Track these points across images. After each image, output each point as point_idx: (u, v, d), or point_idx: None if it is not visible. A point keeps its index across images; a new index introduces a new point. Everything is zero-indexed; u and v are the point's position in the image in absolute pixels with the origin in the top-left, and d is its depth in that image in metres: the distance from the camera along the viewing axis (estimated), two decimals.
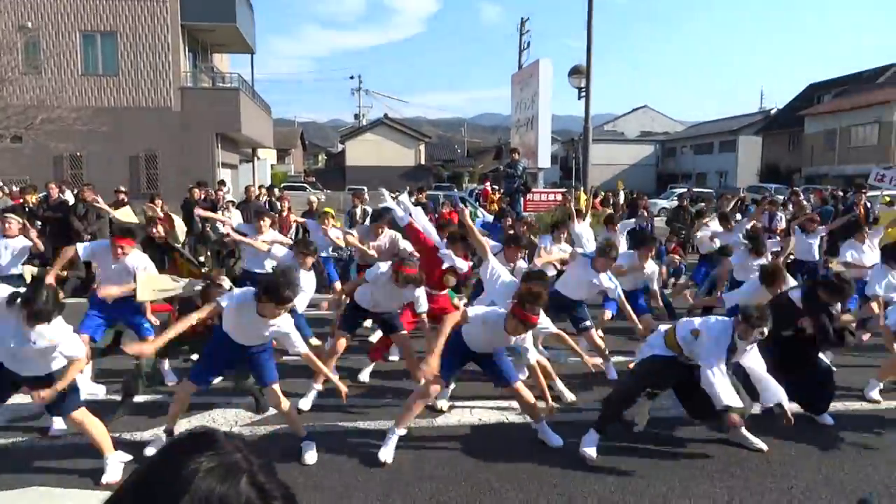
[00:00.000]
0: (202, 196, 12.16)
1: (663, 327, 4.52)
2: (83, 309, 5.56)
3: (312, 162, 71.30)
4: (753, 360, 4.24)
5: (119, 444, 4.14)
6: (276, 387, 4.27)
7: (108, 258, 5.47)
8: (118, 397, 4.88)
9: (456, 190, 28.68)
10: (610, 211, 13.30)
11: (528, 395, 4.45)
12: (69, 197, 12.04)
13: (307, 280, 5.79)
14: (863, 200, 11.61)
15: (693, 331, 4.16)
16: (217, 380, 5.58)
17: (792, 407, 4.27)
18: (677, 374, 4.30)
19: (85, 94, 20.88)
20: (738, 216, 10.90)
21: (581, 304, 5.95)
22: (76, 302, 6.85)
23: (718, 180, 44.17)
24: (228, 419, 4.83)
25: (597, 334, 6.01)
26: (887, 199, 13.85)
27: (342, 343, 5.29)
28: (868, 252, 7.60)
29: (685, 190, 16.61)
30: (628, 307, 5.90)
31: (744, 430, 4.35)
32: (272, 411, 4.95)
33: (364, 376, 5.81)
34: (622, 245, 8.16)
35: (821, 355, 4.89)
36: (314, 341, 6.35)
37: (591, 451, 4.14)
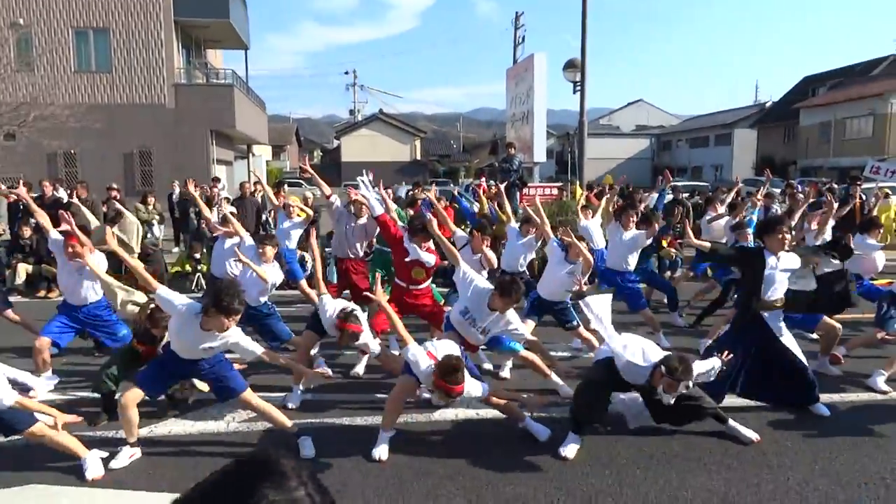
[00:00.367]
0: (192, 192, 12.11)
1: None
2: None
3: (308, 158, 71.11)
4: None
5: (96, 443, 4.13)
6: (248, 393, 4.21)
7: (62, 257, 5.38)
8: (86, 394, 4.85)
9: (452, 185, 28.63)
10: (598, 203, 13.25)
11: (499, 401, 4.43)
12: (63, 195, 11.99)
13: (271, 272, 5.73)
14: (858, 192, 11.64)
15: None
16: None
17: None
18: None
19: (78, 91, 20.78)
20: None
21: (566, 306, 5.97)
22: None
23: (714, 174, 44.24)
24: (225, 415, 4.82)
25: (586, 331, 5.98)
26: (887, 191, 13.83)
27: (309, 338, 5.27)
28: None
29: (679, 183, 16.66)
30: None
31: (734, 423, 4.38)
32: None
33: (359, 370, 5.81)
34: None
35: (793, 347, 4.90)
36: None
37: (568, 451, 4.15)
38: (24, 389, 4.67)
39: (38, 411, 3.83)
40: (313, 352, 6.04)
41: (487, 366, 5.95)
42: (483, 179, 14.10)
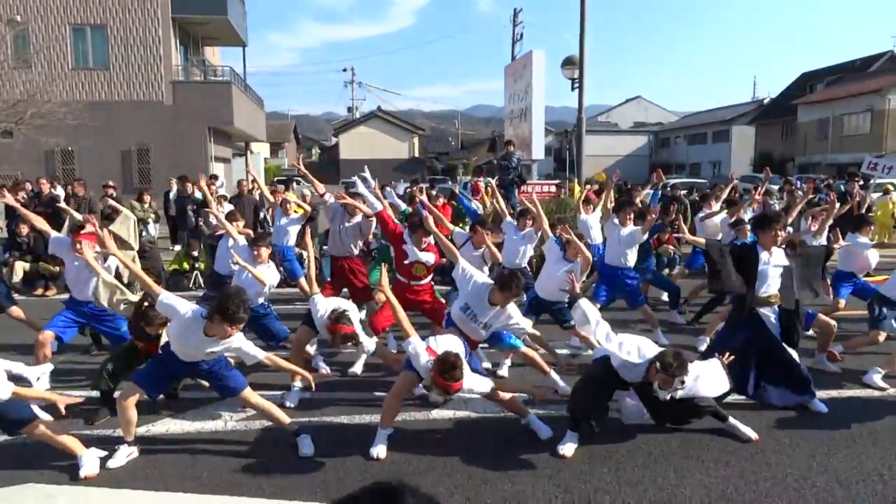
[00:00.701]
0: (193, 192, 12.09)
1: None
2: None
3: (306, 155, 71.03)
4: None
5: (94, 441, 4.13)
6: (248, 391, 4.21)
7: (70, 254, 5.44)
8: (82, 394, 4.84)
9: (451, 182, 28.62)
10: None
11: (503, 397, 4.44)
12: (60, 192, 11.97)
13: (268, 273, 5.71)
14: (856, 189, 11.65)
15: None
16: None
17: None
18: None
19: (75, 88, 20.70)
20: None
21: (562, 305, 5.98)
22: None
23: (712, 170, 44.23)
24: (223, 414, 4.82)
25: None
26: (889, 187, 13.84)
27: (304, 334, 5.24)
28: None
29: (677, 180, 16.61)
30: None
31: (733, 420, 4.39)
32: None
33: (357, 368, 5.80)
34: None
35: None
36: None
37: (566, 450, 4.14)
38: (18, 379, 4.67)
39: (38, 399, 3.83)
40: (311, 349, 6.05)
41: (486, 364, 5.95)
42: (480, 178, 14.07)
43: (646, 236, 7.09)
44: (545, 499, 3.63)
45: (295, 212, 8.25)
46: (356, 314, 4.98)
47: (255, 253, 5.74)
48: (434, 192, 12.80)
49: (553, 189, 14.35)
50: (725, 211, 8.57)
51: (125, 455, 4.03)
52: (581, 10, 15.06)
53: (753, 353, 4.88)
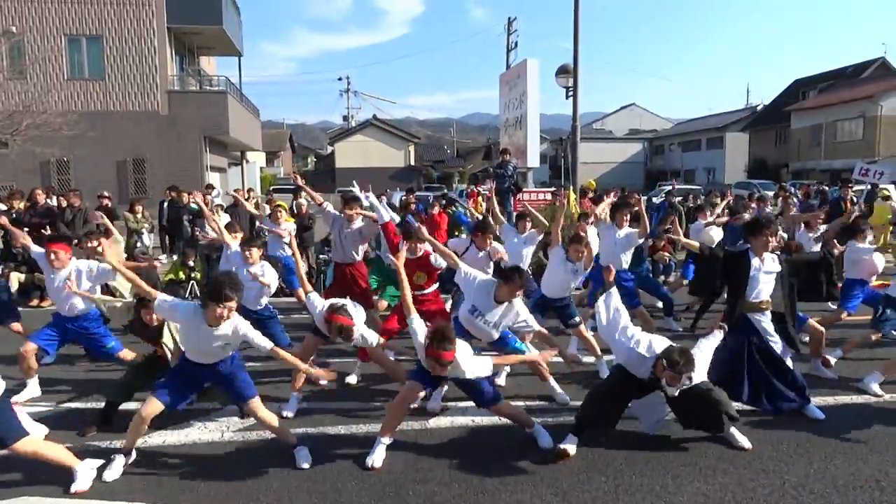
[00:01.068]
0: (189, 202, 12.08)
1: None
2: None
3: (302, 164, 71.06)
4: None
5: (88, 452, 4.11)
6: (257, 400, 4.18)
7: (48, 268, 5.37)
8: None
9: (447, 191, 28.67)
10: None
11: (511, 408, 4.48)
12: (55, 203, 11.93)
13: (268, 273, 5.75)
14: (849, 195, 11.71)
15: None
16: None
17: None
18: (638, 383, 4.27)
19: (71, 99, 20.73)
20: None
21: (568, 303, 6.02)
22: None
23: (707, 177, 44.44)
24: (220, 425, 4.80)
25: (588, 332, 6.04)
26: (886, 192, 13.90)
27: (311, 341, 5.16)
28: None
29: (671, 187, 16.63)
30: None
31: (732, 428, 4.38)
32: None
33: (351, 379, 5.79)
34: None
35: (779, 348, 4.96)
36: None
37: (569, 448, 4.16)
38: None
39: None
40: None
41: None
42: (480, 187, 14.08)
43: (642, 240, 7.11)
44: None
45: (286, 220, 8.30)
46: (360, 313, 4.92)
47: (247, 254, 5.77)
48: (443, 202, 12.81)
49: (549, 196, 14.39)
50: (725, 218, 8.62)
51: (121, 465, 4.01)
52: (574, 18, 15.15)
53: (746, 358, 4.89)
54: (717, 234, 9.13)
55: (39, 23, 20.52)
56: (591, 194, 14.13)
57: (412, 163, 47.32)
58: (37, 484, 3.90)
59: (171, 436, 4.63)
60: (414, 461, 4.19)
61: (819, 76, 41.94)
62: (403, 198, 14.02)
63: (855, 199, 11.99)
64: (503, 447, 4.40)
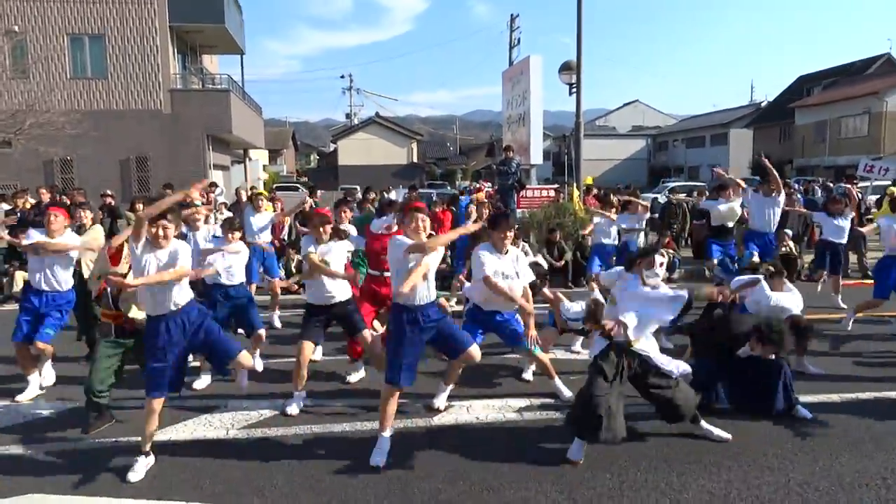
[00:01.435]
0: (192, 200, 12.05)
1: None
2: None
3: (305, 162, 71.14)
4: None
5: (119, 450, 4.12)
6: (244, 354, 4.32)
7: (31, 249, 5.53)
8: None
9: (449, 188, 28.65)
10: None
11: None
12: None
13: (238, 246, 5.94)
14: (855, 191, 11.66)
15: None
16: (206, 383, 5.59)
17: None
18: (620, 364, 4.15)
19: (74, 98, 20.76)
20: None
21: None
22: None
23: (710, 173, 44.29)
24: (225, 422, 4.81)
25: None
26: (894, 190, 13.85)
27: (308, 348, 5.13)
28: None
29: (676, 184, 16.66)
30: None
31: (705, 423, 4.40)
32: (268, 415, 4.94)
33: (353, 378, 5.79)
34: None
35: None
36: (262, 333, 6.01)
37: (576, 455, 4.12)
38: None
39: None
40: (317, 355, 6.09)
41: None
42: (486, 183, 14.05)
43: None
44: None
45: (265, 210, 8.45)
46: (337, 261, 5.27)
47: (230, 236, 5.92)
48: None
49: (552, 193, 14.37)
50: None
51: (144, 466, 3.99)
52: (578, 14, 15.11)
53: (732, 362, 4.81)
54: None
55: (42, 22, 20.55)
56: (594, 191, 14.08)
57: (415, 160, 47.28)
58: (41, 482, 3.91)
59: (176, 433, 4.63)
60: (419, 458, 4.19)
61: (823, 72, 41.78)
62: (406, 195, 14.01)
63: (860, 194, 11.95)
64: (508, 444, 4.40)
